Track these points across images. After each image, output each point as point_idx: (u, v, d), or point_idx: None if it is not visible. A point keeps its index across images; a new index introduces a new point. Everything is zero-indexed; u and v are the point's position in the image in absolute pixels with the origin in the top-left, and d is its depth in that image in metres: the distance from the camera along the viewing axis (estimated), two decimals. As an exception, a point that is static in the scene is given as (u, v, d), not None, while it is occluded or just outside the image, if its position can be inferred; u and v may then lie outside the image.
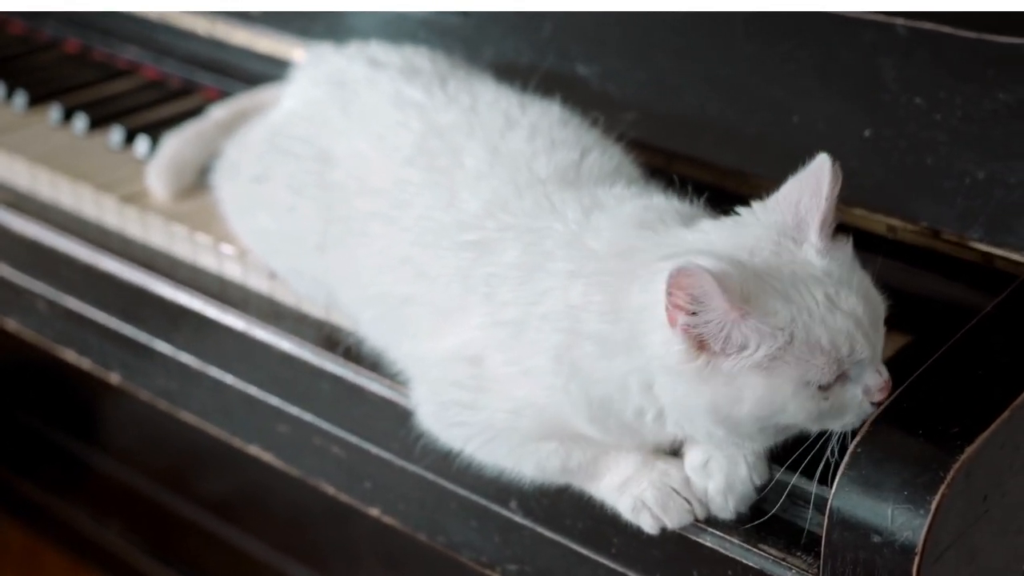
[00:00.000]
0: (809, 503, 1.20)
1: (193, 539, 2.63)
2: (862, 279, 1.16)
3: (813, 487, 1.18)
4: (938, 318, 1.33)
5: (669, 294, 1.08)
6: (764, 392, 1.11)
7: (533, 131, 1.37)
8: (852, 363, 1.12)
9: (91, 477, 2.82)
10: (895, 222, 1.40)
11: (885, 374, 1.14)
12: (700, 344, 1.10)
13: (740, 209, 1.21)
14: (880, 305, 1.17)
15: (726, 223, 1.20)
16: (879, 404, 1.14)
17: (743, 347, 1.09)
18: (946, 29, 1.38)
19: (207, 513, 2.56)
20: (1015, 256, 1.32)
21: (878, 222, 1.41)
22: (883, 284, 1.41)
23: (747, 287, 1.09)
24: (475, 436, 1.30)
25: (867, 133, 1.41)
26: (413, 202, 1.36)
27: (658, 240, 1.20)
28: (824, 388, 1.12)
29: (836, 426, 1.14)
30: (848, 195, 1.39)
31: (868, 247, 1.39)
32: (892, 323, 1.41)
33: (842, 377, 1.13)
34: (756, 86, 1.49)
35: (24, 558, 2.93)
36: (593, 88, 1.61)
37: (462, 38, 1.73)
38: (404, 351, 1.38)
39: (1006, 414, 1.12)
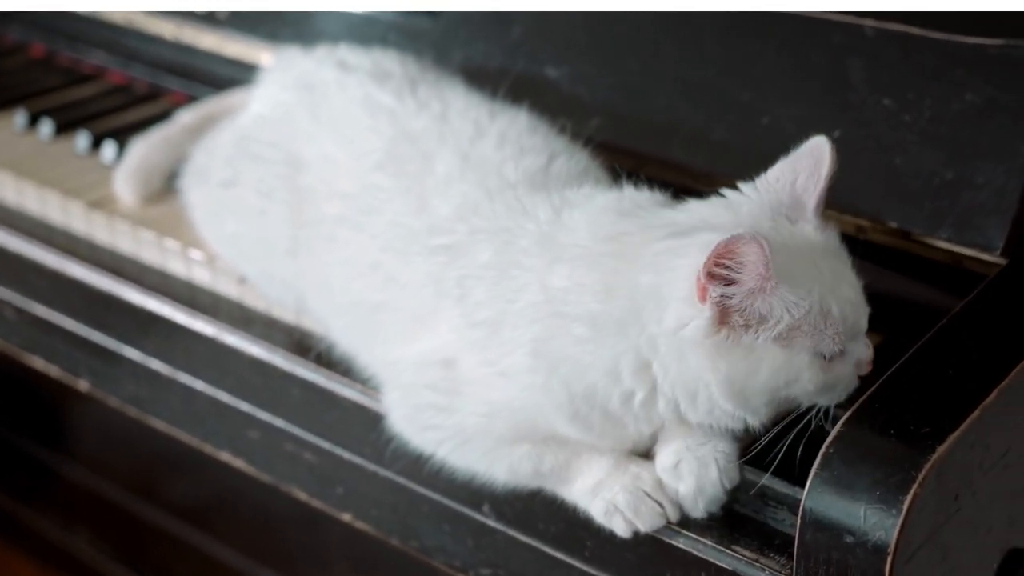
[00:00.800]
0: (782, 504, 1.20)
1: (163, 546, 2.62)
2: (847, 256, 1.21)
3: (786, 488, 1.19)
4: (909, 318, 1.34)
5: (715, 263, 1.10)
6: (782, 363, 1.14)
7: (502, 138, 1.38)
8: (854, 334, 1.17)
9: (60, 484, 2.80)
10: (864, 223, 1.40)
11: (871, 347, 1.19)
12: (723, 318, 1.13)
13: (726, 191, 1.24)
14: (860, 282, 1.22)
15: (715, 203, 1.23)
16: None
17: (764, 319, 1.13)
18: (915, 30, 1.39)
19: (177, 520, 2.55)
20: (983, 256, 1.33)
21: (847, 223, 1.41)
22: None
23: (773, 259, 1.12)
24: (447, 439, 1.30)
25: (836, 134, 1.41)
26: (382, 208, 1.36)
27: (648, 223, 1.21)
28: (829, 360, 1.16)
29: (827, 400, 1.18)
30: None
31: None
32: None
33: (843, 351, 1.17)
34: (725, 88, 1.49)
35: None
36: (563, 91, 1.61)
37: (431, 41, 1.73)
38: (376, 356, 1.38)
39: (976, 413, 1.12)
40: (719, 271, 1.11)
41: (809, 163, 1.20)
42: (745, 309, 1.12)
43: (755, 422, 1.19)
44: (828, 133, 1.39)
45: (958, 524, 1.15)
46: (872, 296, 1.40)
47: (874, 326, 1.40)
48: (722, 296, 1.12)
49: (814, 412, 1.18)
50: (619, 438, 1.24)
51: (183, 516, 2.52)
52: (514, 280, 1.23)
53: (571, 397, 1.20)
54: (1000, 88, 1.33)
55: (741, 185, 1.23)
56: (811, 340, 1.15)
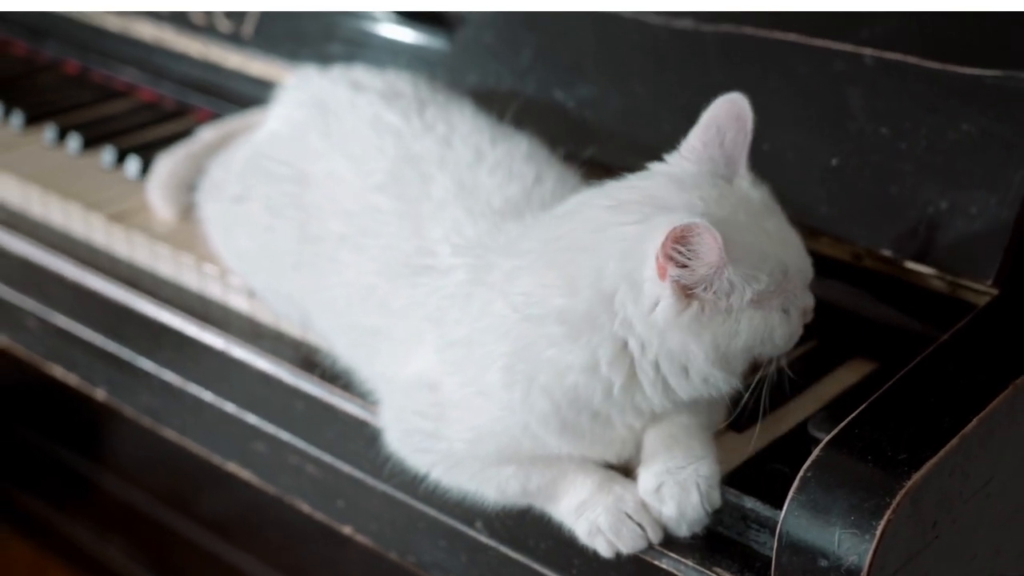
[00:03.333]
0: (764, 527, 1.21)
1: (193, 557, 2.66)
2: (779, 207, 1.26)
3: (768, 511, 1.20)
4: (904, 346, 1.34)
5: (671, 249, 1.13)
6: (759, 323, 1.19)
7: (497, 165, 1.41)
8: (806, 284, 1.23)
9: (95, 493, 2.85)
10: (860, 250, 1.41)
11: (812, 296, 1.25)
12: (688, 294, 1.16)
13: (660, 165, 1.27)
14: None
15: (658, 177, 1.26)
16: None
17: (732, 289, 1.16)
18: (912, 60, 1.40)
19: (206, 532, 2.59)
20: (975, 285, 1.33)
21: (844, 249, 1.42)
22: (849, 311, 1.43)
23: (725, 235, 1.14)
24: (439, 463, 1.32)
25: (834, 162, 1.42)
26: (380, 231, 1.39)
27: (595, 216, 1.23)
28: (787, 311, 1.21)
29: (782, 351, 1.24)
30: (815, 223, 1.42)
31: (834, 275, 1.42)
32: (859, 350, 1.44)
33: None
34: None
35: (30, 573, 2.96)
36: (571, 115, 1.63)
37: (446, 64, 1.76)
38: (373, 374, 1.41)
39: (955, 441, 1.13)
40: (675, 255, 1.14)
41: (733, 121, 1.24)
42: (709, 285, 1.16)
43: (733, 384, 1.23)
44: (826, 160, 1.42)
45: (937, 551, 1.15)
46: (868, 324, 1.42)
47: (869, 354, 1.42)
48: (678, 277, 1.15)
49: (772, 366, 1.24)
50: (609, 442, 1.25)
51: (212, 528, 2.56)
52: (479, 297, 1.26)
53: (555, 406, 1.22)
54: (995, 119, 1.33)
55: (671, 157, 1.27)
56: (778, 298, 1.20)
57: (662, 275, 1.15)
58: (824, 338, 1.44)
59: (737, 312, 1.18)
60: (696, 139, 1.26)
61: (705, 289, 1.16)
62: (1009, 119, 1.33)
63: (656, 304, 1.17)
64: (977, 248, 1.32)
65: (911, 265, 1.37)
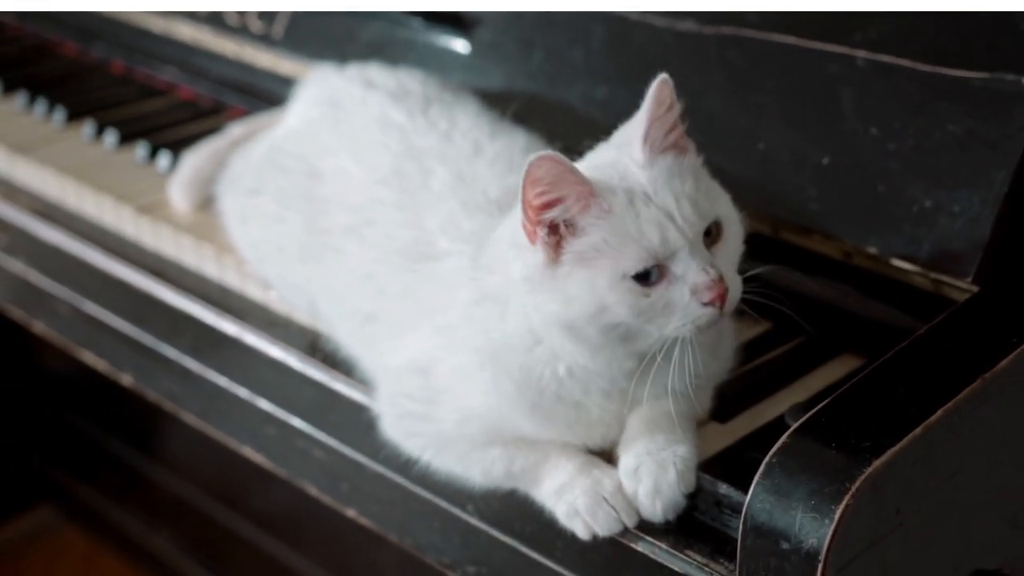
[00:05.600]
0: (736, 512, 1.24)
1: (239, 550, 2.72)
2: (692, 184, 1.23)
3: (741, 497, 1.23)
4: (891, 342, 1.37)
5: (531, 191, 1.17)
6: (585, 286, 1.19)
7: (496, 158, 1.45)
8: (667, 255, 1.19)
9: (146, 486, 2.92)
10: (850, 248, 1.43)
11: (713, 273, 1.19)
12: (556, 248, 1.19)
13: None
14: (711, 209, 1.23)
15: (590, 154, 1.30)
16: (712, 304, 1.19)
17: (574, 230, 1.19)
18: (904, 62, 1.42)
19: (254, 526, 2.66)
20: (957, 283, 1.35)
21: (834, 247, 1.45)
22: (839, 308, 1.46)
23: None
24: (429, 446, 1.37)
25: (825, 161, 1.45)
26: (381, 221, 1.44)
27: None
28: (646, 283, 1.19)
29: (668, 328, 1.20)
30: (806, 221, 1.45)
31: (825, 272, 1.44)
32: (848, 346, 1.46)
33: (667, 275, 1.19)
34: (727, 114, 1.54)
35: (82, 563, 3.04)
36: (578, 113, 1.67)
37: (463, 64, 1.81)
38: (371, 360, 1.46)
39: (919, 431, 1.15)
40: (536, 191, 1.17)
41: (664, 102, 1.24)
42: (571, 223, 1.19)
43: (607, 355, 1.23)
44: (818, 159, 1.45)
45: (903, 539, 1.18)
46: (857, 320, 1.45)
47: (858, 349, 1.44)
48: (545, 222, 1.18)
49: (676, 346, 1.21)
50: (588, 426, 1.29)
51: (258, 523, 2.63)
52: (459, 284, 1.31)
53: (519, 388, 1.26)
54: (980, 120, 1.36)
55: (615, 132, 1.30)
56: (610, 261, 1.18)
57: (531, 236, 1.20)
58: (814, 333, 1.46)
59: (565, 277, 1.19)
60: (637, 115, 1.27)
61: (569, 230, 1.18)
62: (994, 120, 1.35)
63: (531, 265, 1.21)
64: (959, 246, 1.35)
65: (897, 263, 1.40)
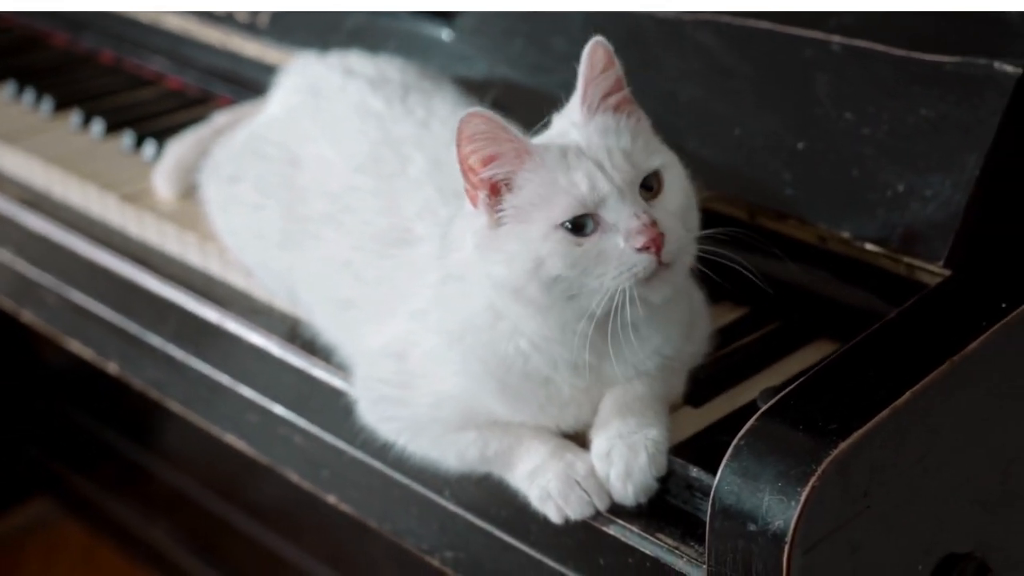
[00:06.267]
0: (707, 496, 1.24)
1: (235, 542, 2.73)
2: (627, 138, 1.24)
3: (711, 480, 1.23)
4: (865, 327, 1.37)
5: (465, 149, 1.20)
6: (521, 240, 1.20)
7: None
8: (596, 202, 1.19)
9: (144, 479, 2.93)
10: (825, 233, 1.44)
11: (645, 218, 1.19)
12: (496, 208, 1.21)
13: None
14: (647, 161, 1.23)
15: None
16: (647, 250, 1.19)
17: (518, 190, 1.21)
18: (879, 47, 1.43)
19: (250, 519, 2.67)
20: (929, 267, 1.36)
21: (810, 232, 1.45)
22: (815, 293, 1.46)
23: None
24: (404, 430, 1.38)
25: (800, 146, 1.45)
26: (359, 207, 1.45)
27: None
28: (579, 233, 1.19)
29: (607, 280, 1.19)
30: (781, 206, 1.46)
31: (800, 257, 1.45)
32: (824, 331, 1.46)
33: (601, 225, 1.19)
34: (704, 100, 1.54)
35: (81, 554, 3.05)
36: (560, 100, 1.67)
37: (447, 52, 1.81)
38: (349, 348, 1.46)
39: (886, 413, 1.15)
40: (475, 156, 1.20)
41: (597, 64, 1.26)
42: (510, 182, 1.21)
43: (557, 317, 1.23)
44: (793, 144, 1.45)
45: (871, 521, 1.18)
46: (833, 305, 1.45)
47: (833, 334, 1.45)
48: (484, 180, 1.21)
49: (625, 304, 1.20)
50: (561, 406, 1.30)
51: (254, 515, 2.64)
52: (430, 266, 1.32)
53: (487, 368, 1.27)
54: (952, 104, 1.36)
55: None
56: (542, 212, 1.20)
57: (472, 199, 1.22)
58: (790, 318, 1.47)
59: (504, 235, 1.21)
60: (581, 100, 1.28)
61: (507, 186, 1.21)
62: (966, 104, 1.35)
63: (475, 231, 1.23)
64: (931, 230, 1.35)
65: (871, 247, 1.40)
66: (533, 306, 1.22)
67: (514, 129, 1.21)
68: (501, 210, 1.22)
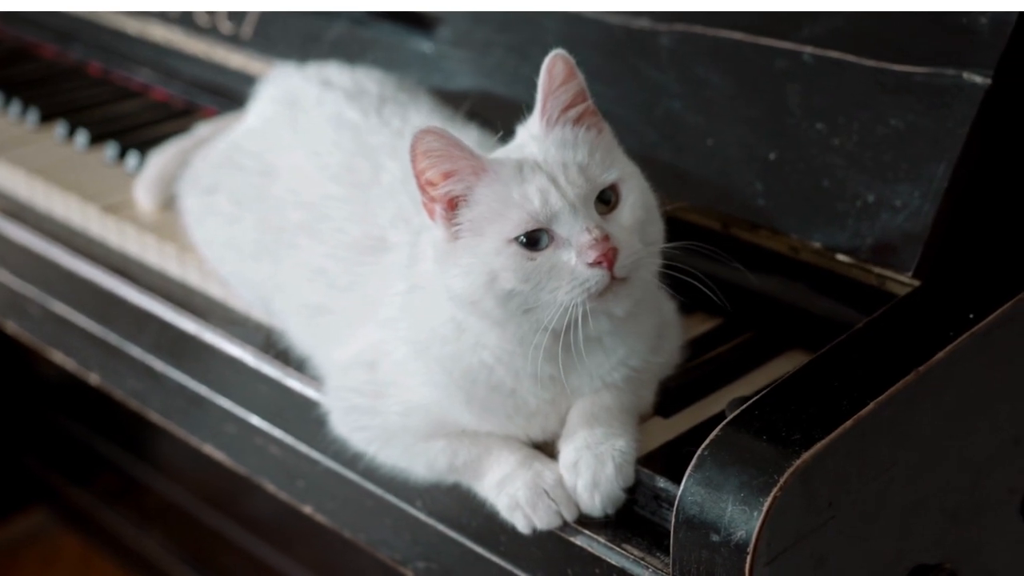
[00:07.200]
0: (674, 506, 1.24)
1: (228, 553, 2.74)
2: (584, 152, 1.24)
3: (677, 491, 1.23)
4: (837, 337, 1.37)
5: (418, 165, 1.20)
6: (475, 254, 1.20)
7: None
8: (548, 217, 1.19)
9: (139, 490, 2.94)
10: (796, 243, 1.44)
11: (596, 232, 1.18)
12: (454, 224, 1.22)
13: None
14: (603, 175, 1.23)
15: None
16: (599, 265, 1.18)
17: (474, 204, 1.21)
18: (850, 57, 1.43)
19: (242, 530, 2.67)
20: (899, 277, 1.36)
21: (781, 242, 1.45)
22: (787, 303, 1.46)
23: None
24: (375, 439, 1.38)
25: (772, 156, 1.45)
26: (333, 216, 1.45)
27: None
28: (533, 248, 1.20)
29: (560, 295, 1.19)
30: (753, 216, 1.46)
31: (772, 267, 1.45)
32: (796, 342, 1.46)
33: (554, 239, 1.20)
34: (679, 110, 1.54)
35: (78, 565, 3.06)
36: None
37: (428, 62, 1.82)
38: (320, 359, 1.46)
39: (849, 423, 1.15)
40: (429, 172, 1.20)
41: (556, 76, 1.25)
42: (466, 197, 1.21)
43: (515, 331, 1.23)
44: (765, 155, 1.45)
45: (836, 531, 1.18)
46: (805, 316, 1.45)
47: (805, 345, 1.45)
48: (440, 196, 1.21)
49: (570, 311, 1.19)
50: (528, 416, 1.30)
51: (246, 527, 2.64)
52: (398, 275, 1.32)
53: (451, 376, 1.27)
54: (921, 113, 1.36)
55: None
56: (494, 226, 1.20)
57: (430, 212, 1.22)
58: (762, 329, 1.47)
59: (461, 249, 1.21)
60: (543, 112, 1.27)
61: (464, 201, 1.21)
62: (935, 114, 1.35)
63: (434, 244, 1.24)
64: (900, 241, 1.35)
65: (842, 258, 1.40)
66: (490, 319, 1.23)
67: (467, 145, 1.21)
68: (458, 224, 1.22)
